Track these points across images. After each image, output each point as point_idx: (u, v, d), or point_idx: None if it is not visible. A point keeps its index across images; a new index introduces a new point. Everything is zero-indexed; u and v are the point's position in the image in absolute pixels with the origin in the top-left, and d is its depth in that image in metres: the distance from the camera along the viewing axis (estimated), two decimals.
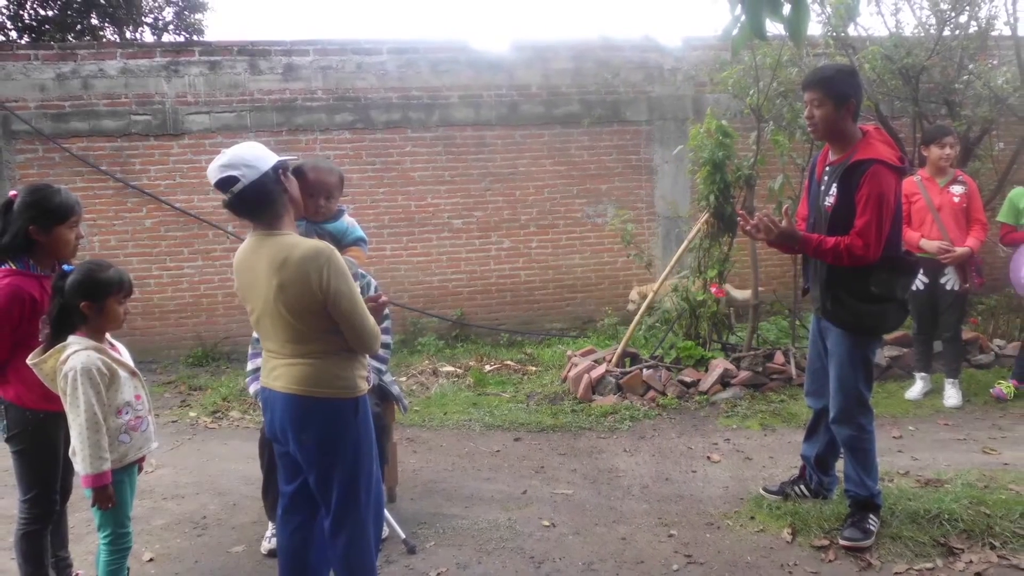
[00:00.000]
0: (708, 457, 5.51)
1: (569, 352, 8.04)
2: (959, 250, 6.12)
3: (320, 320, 3.01)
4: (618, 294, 9.61)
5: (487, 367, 8.25)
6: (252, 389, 4.22)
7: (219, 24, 43.03)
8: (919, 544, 4.00)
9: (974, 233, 6.23)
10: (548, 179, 9.70)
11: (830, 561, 3.94)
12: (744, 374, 6.88)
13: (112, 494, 3.24)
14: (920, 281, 6.20)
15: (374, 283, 4.26)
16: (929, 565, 3.83)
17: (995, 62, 8.57)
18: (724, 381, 6.86)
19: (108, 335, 3.42)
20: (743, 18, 2.30)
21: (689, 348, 7.14)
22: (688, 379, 6.90)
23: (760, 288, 7.46)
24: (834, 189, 4.00)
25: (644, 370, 6.95)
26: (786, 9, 2.27)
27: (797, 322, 7.63)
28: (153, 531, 4.63)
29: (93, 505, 3.26)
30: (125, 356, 3.45)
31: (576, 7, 35.62)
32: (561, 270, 9.86)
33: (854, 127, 4.03)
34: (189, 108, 8.97)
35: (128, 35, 16.73)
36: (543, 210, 9.73)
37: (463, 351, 9.01)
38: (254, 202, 3.03)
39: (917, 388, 6.63)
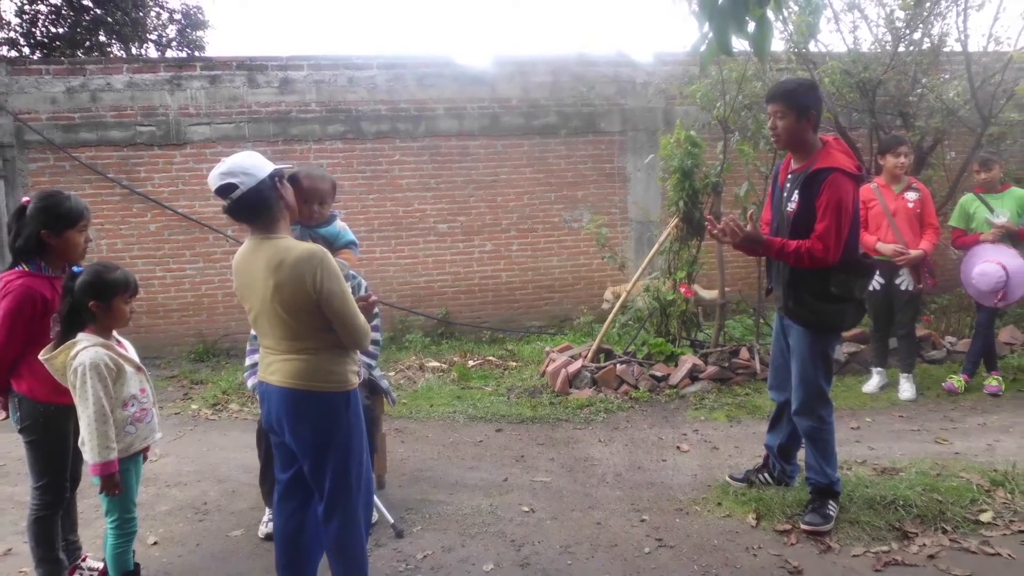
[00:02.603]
0: (678, 447, 5.52)
1: (547, 348, 8.05)
2: (913, 253, 6.16)
3: (314, 318, 3.00)
4: (593, 294, 9.63)
5: (470, 362, 8.25)
6: (250, 383, 4.19)
7: (219, 41, 42.76)
8: (876, 528, 4.03)
9: (927, 237, 6.27)
10: (527, 186, 9.71)
11: (792, 544, 3.96)
12: (711, 369, 6.90)
13: (119, 481, 3.24)
14: (877, 282, 6.24)
15: (364, 284, 4.24)
16: (885, 548, 3.86)
17: (947, 76, 8.64)
18: (693, 376, 6.88)
19: (115, 333, 3.42)
20: (711, 35, 2.32)
21: (660, 345, 7.16)
22: (659, 374, 6.91)
23: (726, 288, 7.50)
24: (796, 196, 4.02)
25: (618, 365, 6.97)
26: (751, 27, 2.28)
27: (761, 320, 7.65)
28: (157, 516, 4.61)
29: (101, 492, 3.26)
30: (131, 352, 3.44)
31: (554, 25, 35.67)
32: (540, 271, 9.86)
33: (814, 137, 4.05)
34: (191, 119, 8.92)
35: (134, 51, 16.62)
36: (523, 215, 9.74)
37: (448, 347, 9.00)
38: (252, 208, 3.03)
39: (874, 382, 6.67)
